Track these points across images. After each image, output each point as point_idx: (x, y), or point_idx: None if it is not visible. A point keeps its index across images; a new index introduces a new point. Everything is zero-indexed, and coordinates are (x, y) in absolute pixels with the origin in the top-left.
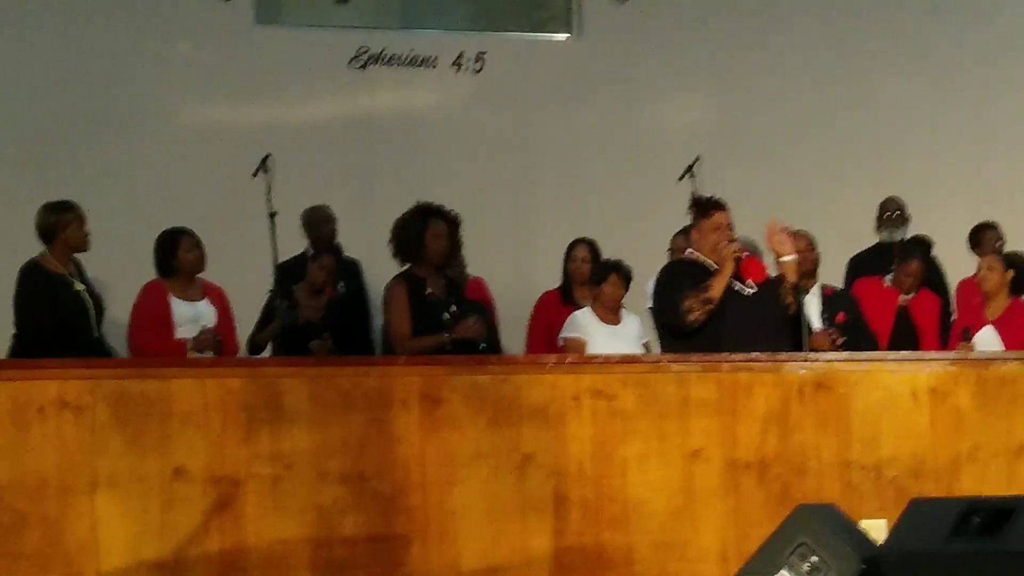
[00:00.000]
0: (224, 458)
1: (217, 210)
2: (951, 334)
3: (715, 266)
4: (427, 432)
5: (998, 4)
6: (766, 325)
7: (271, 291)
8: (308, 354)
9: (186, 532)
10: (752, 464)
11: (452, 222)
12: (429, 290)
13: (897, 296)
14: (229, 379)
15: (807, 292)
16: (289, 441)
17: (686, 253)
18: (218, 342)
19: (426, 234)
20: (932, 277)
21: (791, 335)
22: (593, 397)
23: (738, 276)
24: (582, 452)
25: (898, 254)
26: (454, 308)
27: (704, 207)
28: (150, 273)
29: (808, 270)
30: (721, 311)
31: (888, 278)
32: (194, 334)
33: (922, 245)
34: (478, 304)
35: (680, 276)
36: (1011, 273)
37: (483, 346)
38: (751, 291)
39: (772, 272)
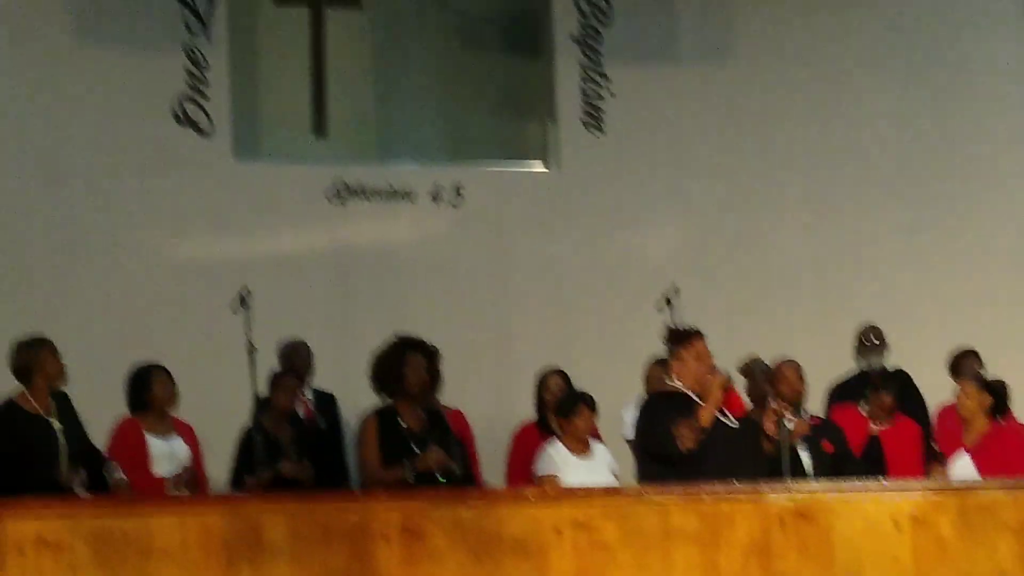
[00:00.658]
0: None
1: (196, 345)
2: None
3: (695, 395)
4: (408, 566)
5: (974, 126)
6: (748, 456)
7: (249, 427)
8: (285, 482)
9: None
10: None
11: (431, 354)
12: (404, 423)
13: (867, 424)
14: (208, 515)
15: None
16: None
17: (667, 383)
18: (195, 480)
19: (404, 366)
20: (913, 407)
21: (772, 466)
22: (575, 529)
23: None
24: None
25: (875, 384)
26: (426, 442)
27: (683, 337)
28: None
29: (796, 400)
30: (706, 440)
31: (863, 405)
32: (168, 470)
33: (899, 378)
34: (451, 438)
35: (665, 406)
36: (989, 398)
37: (443, 480)
38: (735, 424)
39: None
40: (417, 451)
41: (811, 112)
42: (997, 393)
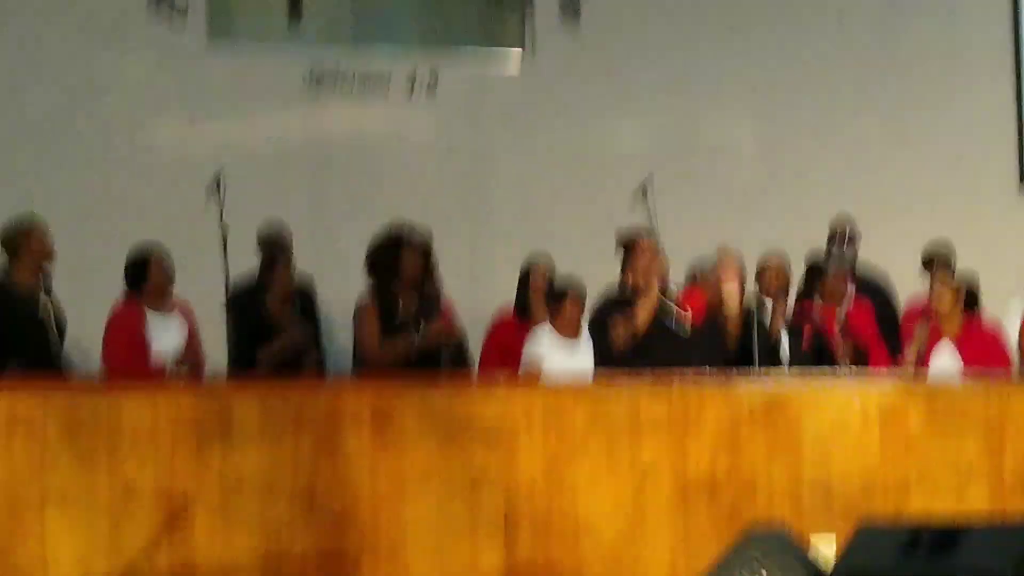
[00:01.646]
0: (174, 474)
1: (172, 226)
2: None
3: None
4: (378, 449)
5: (951, 31)
6: (703, 362)
7: (226, 307)
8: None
9: (135, 548)
10: (702, 482)
11: (424, 247)
12: (400, 310)
13: (833, 313)
14: (180, 396)
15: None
16: (239, 458)
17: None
18: (194, 359)
19: (400, 259)
20: (874, 296)
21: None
22: (544, 415)
23: (676, 305)
24: (533, 470)
25: (824, 269)
26: (422, 326)
27: (630, 239)
28: (109, 288)
29: (781, 290)
30: (653, 349)
31: (817, 298)
32: (167, 347)
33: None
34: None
35: (613, 304)
36: (963, 292)
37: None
38: (685, 334)
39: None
40: (417, 337)
41: (796, 5)
42: (971, 288)
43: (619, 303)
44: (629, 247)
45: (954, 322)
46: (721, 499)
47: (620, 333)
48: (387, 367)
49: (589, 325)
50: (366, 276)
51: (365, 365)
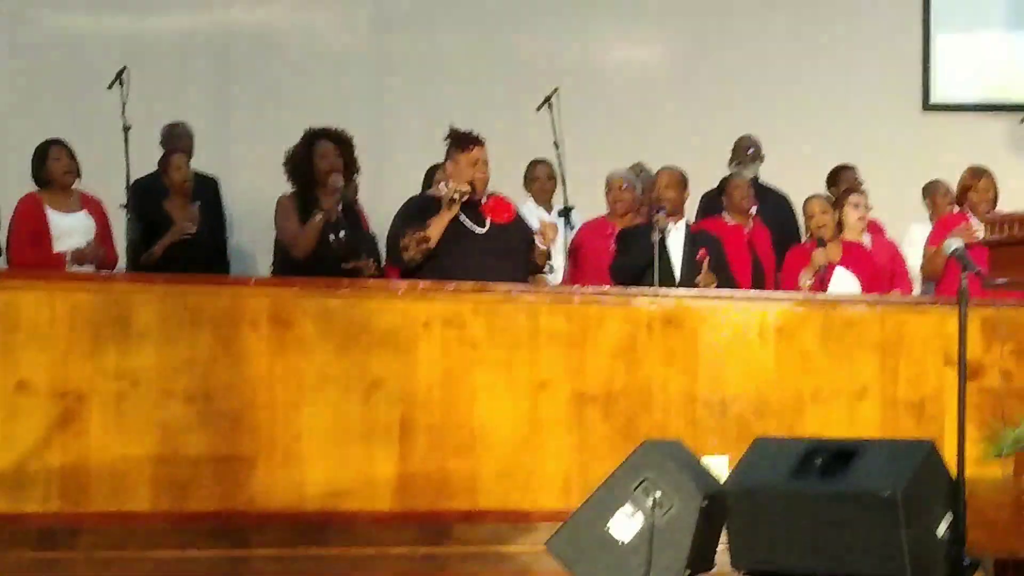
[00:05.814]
0: (69, 373)
1: (72, 121)
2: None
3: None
4: (275, 354)
5: None
6: (500, 261)
7: (125, 207)
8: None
9: (28, 446)
10: (598, 397)
11: (340, 141)
12: (318, 212)
13: (742, 231)
14: (77, 293)
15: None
16: (136, 358)
17: (436, 187)
18: (100, 255)
19: (313, 156)
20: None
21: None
22: (443, 325)
23: (477, 213)
24: (430, 379)
25: (724, 191)
26: (343, 233)
27: (462, 141)
28: (21, 186)
29: (677, 207)
30: (448, 249)
31: (726, 215)
32: (72, 245)
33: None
34: (361, 231)
35: (413, 211)
36: (862, 215)
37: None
38: (482, 229)
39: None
40: (334, 239)
41: None
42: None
43: (426, 206)
44: (460, 149)
45: (848, 245)
46: (616, 414)
47: (411, 244)
48: (311, 256)
49: (391, 225)
50: (286, 176)
51: (288, 257)
